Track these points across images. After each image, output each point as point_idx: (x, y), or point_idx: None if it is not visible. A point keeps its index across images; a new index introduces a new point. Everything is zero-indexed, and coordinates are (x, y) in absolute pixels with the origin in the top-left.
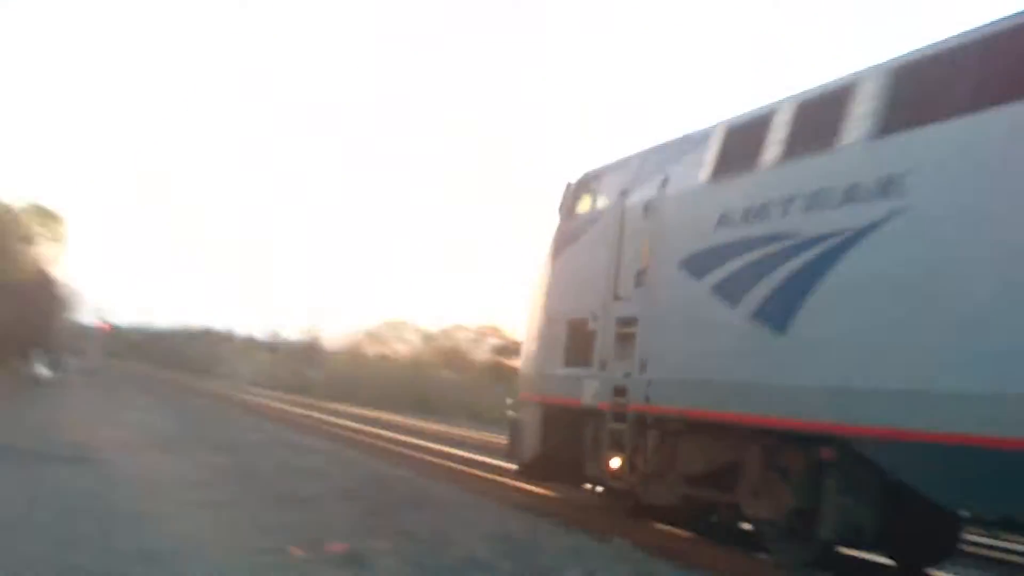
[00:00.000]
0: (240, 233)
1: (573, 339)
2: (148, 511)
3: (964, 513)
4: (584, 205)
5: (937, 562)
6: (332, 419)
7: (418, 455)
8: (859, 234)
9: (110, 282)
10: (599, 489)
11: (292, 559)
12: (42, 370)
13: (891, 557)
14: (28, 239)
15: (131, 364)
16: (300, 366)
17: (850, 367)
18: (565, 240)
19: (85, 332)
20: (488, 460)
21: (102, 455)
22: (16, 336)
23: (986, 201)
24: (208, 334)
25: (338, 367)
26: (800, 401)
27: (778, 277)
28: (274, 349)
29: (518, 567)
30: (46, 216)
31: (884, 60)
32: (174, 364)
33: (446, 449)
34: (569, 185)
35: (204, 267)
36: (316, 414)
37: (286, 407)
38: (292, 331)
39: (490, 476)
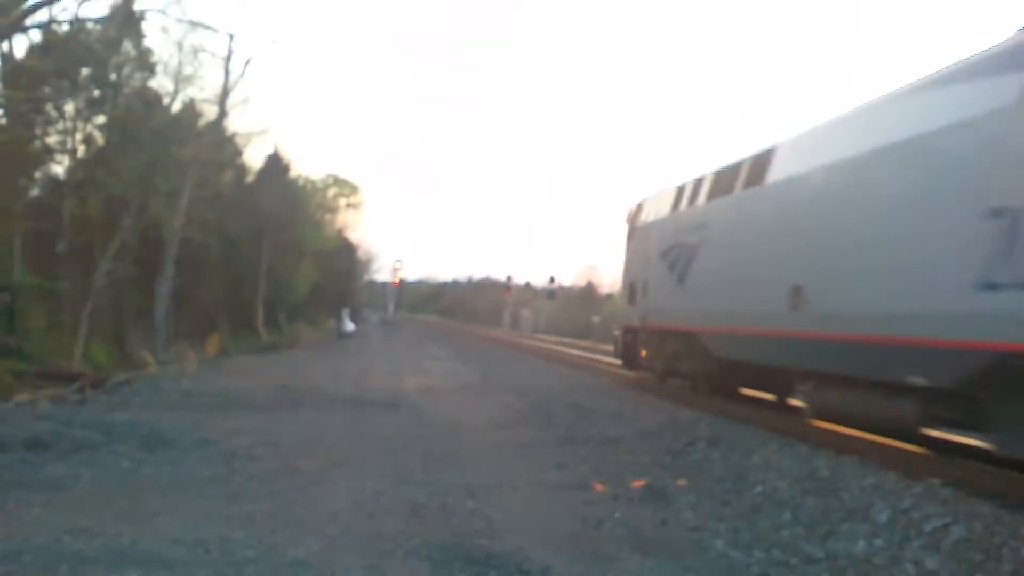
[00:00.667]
0: (517, 186)
1: (632, 291)
2: (460, 450)
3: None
4: (636, 218)
5: None
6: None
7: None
8: (698, 244)
9: (400, 241)
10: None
11: (597, 495)
12: (348, 325)
13: None
14: (332, 209)
15: (421, 316)
16: (578, 311)
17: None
18: (628, 237)
19: (380, 289)
20: None
21: (411, 400)
22: (326, 296)
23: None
24: (488, 283)
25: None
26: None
27: (683, 260)
28: (552, 296)
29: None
30: (345, 186)
31: (712, 165)
32: (459, 314)
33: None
34: (631, 207)
35: (482, 222)
36: (599, 357)
37: (570, 351)
38: (568, 277)
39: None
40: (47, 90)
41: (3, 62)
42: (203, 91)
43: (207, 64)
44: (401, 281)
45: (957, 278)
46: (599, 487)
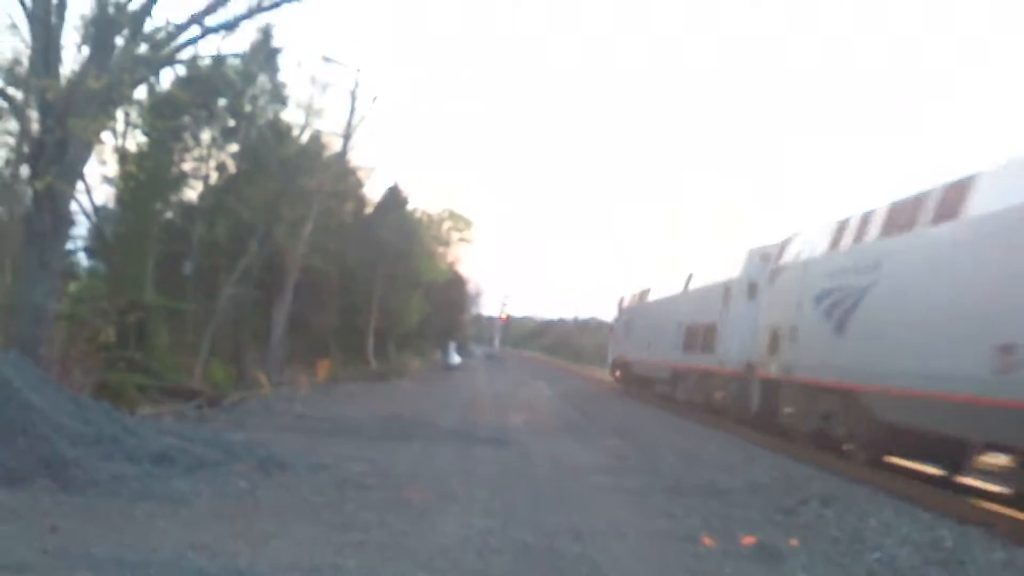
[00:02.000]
0: (619, 223)
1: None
2: (566, 492)
3: None
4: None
5: None
6: None
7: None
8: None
9: (509, 277)
10: None
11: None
12: (454, 357)
13: None
14: (445, 242)
15: (525, 352)
16: None
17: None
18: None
19: (487, 323)
20: None
21: (518, 437)
22: (434, 329)
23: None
24: (595, 323)
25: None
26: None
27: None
28: None
29: None
30: (459, 220)
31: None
32: (563, 351)
33: None
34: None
35: (592, 261)
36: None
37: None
38: None
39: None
40: (186, 119)
41: (150, 92)
42: (330, 124)
43: (335, 97)
44: (508, 316)
45: None
46: (708, 541)
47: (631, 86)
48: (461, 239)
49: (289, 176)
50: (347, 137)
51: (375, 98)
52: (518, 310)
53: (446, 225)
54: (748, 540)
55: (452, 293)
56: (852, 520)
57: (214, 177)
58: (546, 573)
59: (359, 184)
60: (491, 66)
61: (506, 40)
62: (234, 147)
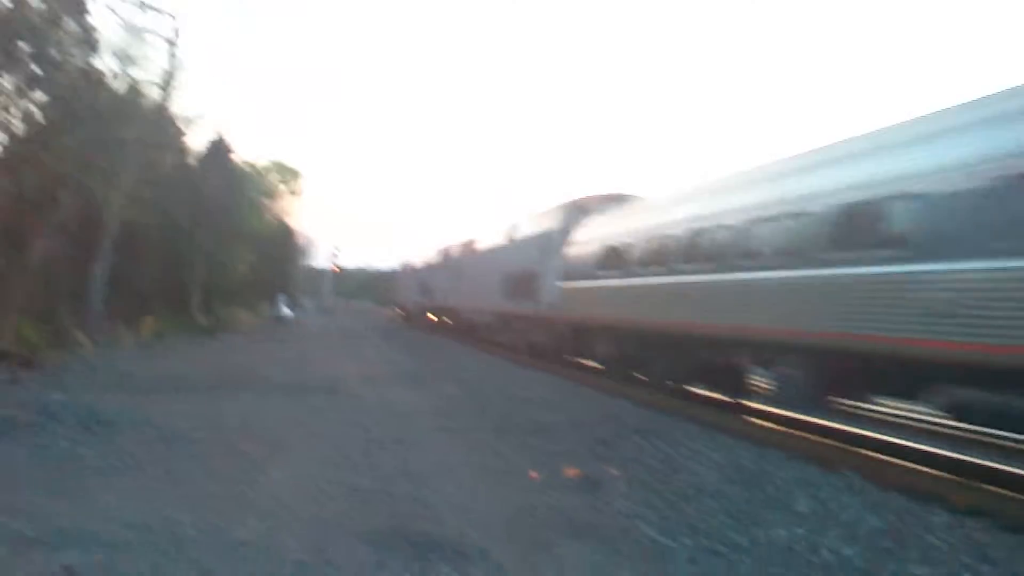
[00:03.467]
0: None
1: None
2: (400, 437)
3: None
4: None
5: None
6: None
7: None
8: None
9: (341, 228)
10: None
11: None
12: (284, 311)
13: None
14: (271, 194)
15: (357, 303)
16: None
17: None
18: None
19: (318, 275)
20: None
21: (349, 386)
22: (263, 282)
23: None
24: None
25: None
26: None
27: None
28: None
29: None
30: (286, 172)
31: None
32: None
33: None
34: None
35: (421, 212)
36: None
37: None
38: None
39: None
40: None
41: None
42: (148, 73)
43: (153, 45)
44: (339, 268)
45: None
46: (534, 475)
47: (455, 40)
48: (289, 191)
49: (104, 126)
50: (166, 86)
51: (194, 45)
52: (351, 261)
53: (273, 177)
54: (572, 472)
55: (281, 245)
56: (665, 448)
57: (19, 128)
58: (380, 514)
59: (180, 134)
60: (319, 13)
61: None
62: (41, 96)
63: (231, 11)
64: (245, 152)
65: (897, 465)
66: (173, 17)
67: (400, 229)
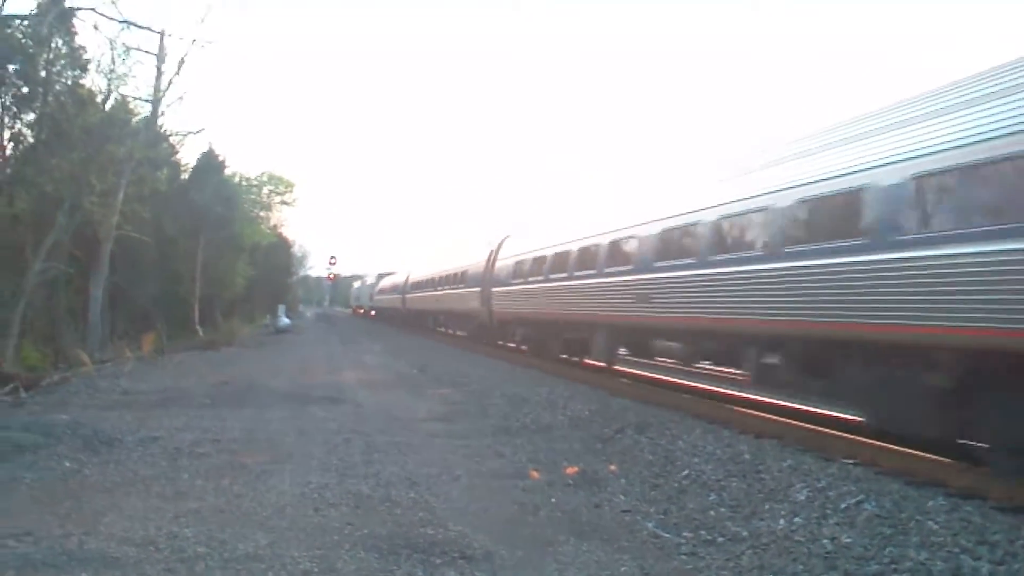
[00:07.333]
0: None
1: None
2: (401, 443)
3: None
4: None
5: None
6: None
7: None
8: None
9: (337, 237)
10: None
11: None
12: (283, 320)
13: None
14: (266, 205)
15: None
16: None
17: None
18: None
19: (315, 284)
20: None
21: (350, 395)
22: (261, 293)
23: None
24: None
25: None
26: None
27: None
28: None
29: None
30: (280, 183)
31: None
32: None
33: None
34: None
35: (415, 218)
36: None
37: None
38: None
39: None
40: None
41: None
42: (137, 90)
43: (141, 62)
44: (336, 276)
45: None
46: (534, 474)
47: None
48: (283, 201)
49: (95, 144)
50: (156, 103)
51: (181, 61)
52: (347, 269)
53: (266, 188)
54: (571, 470)
55: (277, 256)
56: (664, 443)
57: (10, 148)
58: (383, 520)
59: (172, 150)
60: (314, 29)
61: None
62: (31, 116)
63: (224, 21)
64: (238, 164)
65: (895, 452)
66: (160, 35)
67: (397, 233)
